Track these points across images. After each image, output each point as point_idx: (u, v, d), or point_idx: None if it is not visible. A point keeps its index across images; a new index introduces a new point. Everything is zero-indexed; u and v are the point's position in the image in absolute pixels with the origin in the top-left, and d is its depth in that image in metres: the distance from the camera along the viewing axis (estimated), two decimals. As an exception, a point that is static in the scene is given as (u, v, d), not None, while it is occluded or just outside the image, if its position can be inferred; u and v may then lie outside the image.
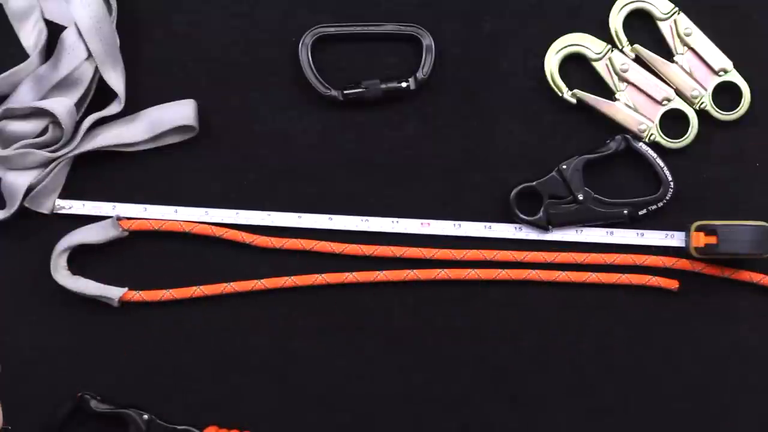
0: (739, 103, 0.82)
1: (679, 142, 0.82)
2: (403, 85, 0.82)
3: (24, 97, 0.80)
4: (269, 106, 0.83)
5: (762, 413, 0.81)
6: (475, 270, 0.81)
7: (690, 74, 0.82)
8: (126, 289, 0.81)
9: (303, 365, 0.82)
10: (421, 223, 0.82)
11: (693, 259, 0.81)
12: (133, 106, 0.82)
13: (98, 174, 0.82)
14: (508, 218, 0.82)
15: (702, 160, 0.82)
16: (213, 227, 0.82)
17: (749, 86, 0.82)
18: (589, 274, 0.81)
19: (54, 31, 0.81)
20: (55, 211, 0.82)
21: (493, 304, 0.82)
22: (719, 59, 0.82)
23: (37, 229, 0.82)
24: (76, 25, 0.79)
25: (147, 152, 0.82)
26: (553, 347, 0.82)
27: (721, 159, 0.82)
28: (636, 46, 0.82)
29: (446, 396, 0.82)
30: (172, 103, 0.82)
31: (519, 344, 0.82)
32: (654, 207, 0.81)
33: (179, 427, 0.79)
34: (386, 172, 0.83)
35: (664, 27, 0.82)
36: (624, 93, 0.82)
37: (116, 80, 0.81)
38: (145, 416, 0.79)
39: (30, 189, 0.80)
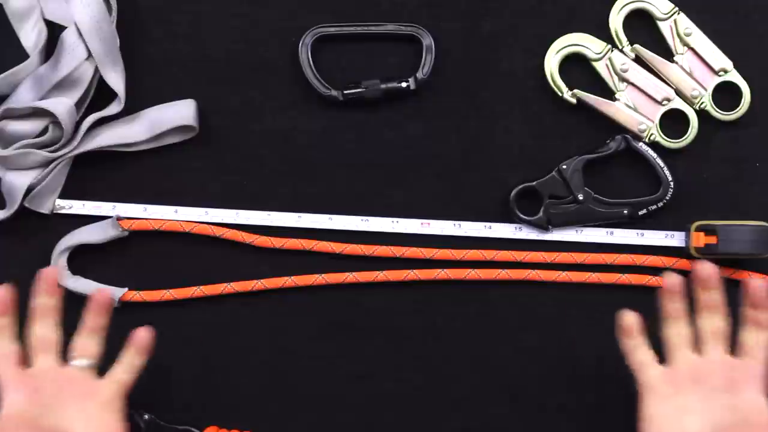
0: (739, 103, 0.82)
1: (679, 142, 0.82)
2: (403, 85, 0.82)
3: (24, 97, 0.80)
4: (269, 106, 0.83)
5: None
6: (475, 270, 0.81)
7: (690, 74, 0.82)
8: (126, 289, 0.81)
9: (303, 365, 0.82)
10: (421, 223, 0.82)
11: (693, 259, 0.81)
12: (133, 106, 0.82)
13: (98, 174, 0.82)
14: (508, 218, 0.82)
15: (702, 160, 0.82)
16: (213, 227, 0.82)
17: (749, 86, 0.82)
18: (589, 274, 0.81)
19: (54, 31, 0.81)
20: (55, 211, 0.82)
21: (493, 304, 0.82)
22: (719, 59, 0.82)
23: (37, 229, 0.82)
24: (76, 25, 0.79)
25: (147, 152, 0.82)
26: (553, 347, 0.82)
27: (721, 159, 0.82)
28: (636, 46, 0.82)
29: (446, 396, 0.82)
30: (172, 103, 0.82)
31: (519, 344, 0.82)
32: (654, 207, 0.81)
33: (179, 427, 0.80)
34: (386, 172, 0.83)
35: (664, 27, 0.82)
36: (624, 93, 0.82)
37: (116, 80, 0.81)
38: (145, 416, 0.79)
39: (30, 189, 0.80)
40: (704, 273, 0.70)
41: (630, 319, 0.71)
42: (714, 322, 0.70)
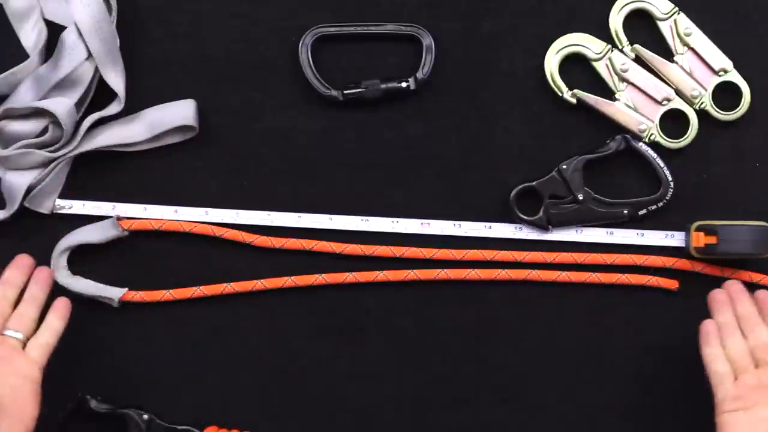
0: (739, 103, 0.82)
1: (679, 142, 0.82)
2: (403, 85, 0.82)
3: (24, 97, 0.80)
4: (269, 106, 0.83)
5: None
6: (475, 270, 0.81)
7: (690, 74, 0.82)
8: (126, 289, 0.81)
9: (303, 365, 0.82)
10: (421, 223, 0.82)
11: (693, 259, 0.81)
12: (133, 106, 0.82)
13: (98, 174, 0.82)
14: (508, 218, 0.82)
15: (702, 160, 0.82)
16: (213, 227, 0.82)
17: (749, 86, 0.82)
18: (589, 274, 0.81)
19: (54, 31, 0.81)
20: (55, 211, 0.82)
21: (493, 304, 0.82)
22: (719, 59, 0.82)
23: (37, 229, 0.82)
24: (76, 25, 0.79)
25: (147, 152, 0.82)
26: (553, 347, 0.82)
27: (721, 159, 0.82)
28: (636, 46, 0.82)
29: (446, 396, 0.82)
30: (172, 103, 0.82)
31: (519, 344, 0.82)
32: (654, 207, 0.81)
33: (179, 427, 0.79)
34: (386, 172, 0.83)
35: (664, 27, 0.82)
36: (624, 93, 0.82)
37: (116, 80, 0.81)
38: (145, 416, 0.79)
39: (30, 189, 0.80)
40: (735, 289, 0.73)
41: (710, 327, 0.72)
42: (762, 334, 0.71)
